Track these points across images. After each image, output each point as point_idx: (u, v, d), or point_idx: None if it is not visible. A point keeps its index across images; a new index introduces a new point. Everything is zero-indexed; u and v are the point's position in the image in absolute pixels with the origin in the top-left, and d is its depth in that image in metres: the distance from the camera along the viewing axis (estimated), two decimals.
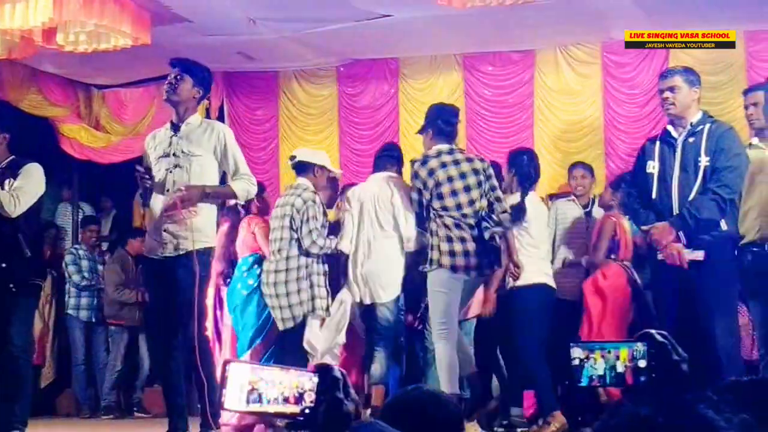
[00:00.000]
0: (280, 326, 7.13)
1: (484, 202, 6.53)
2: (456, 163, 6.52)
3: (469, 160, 6.61)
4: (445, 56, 10.27)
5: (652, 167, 5.89)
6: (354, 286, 6.98)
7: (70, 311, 9.94)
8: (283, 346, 7.24)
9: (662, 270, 5.88)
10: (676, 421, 1.49)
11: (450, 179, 6.45)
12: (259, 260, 7.59)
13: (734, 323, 5.89)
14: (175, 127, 5.87)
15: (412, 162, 6.70)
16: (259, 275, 7.48)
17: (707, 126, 5.81)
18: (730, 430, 1.53)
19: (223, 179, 5.95)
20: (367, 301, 6.92)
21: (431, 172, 6.48)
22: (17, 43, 8.31)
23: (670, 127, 5.94)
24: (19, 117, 9.55)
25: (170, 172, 5.77)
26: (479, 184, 6.51)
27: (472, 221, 6.46)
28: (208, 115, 10.51)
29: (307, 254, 7.01)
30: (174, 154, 5.79)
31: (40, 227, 6.43)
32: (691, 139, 5.79)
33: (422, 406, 2.35)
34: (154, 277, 5.89)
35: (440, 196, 6.45)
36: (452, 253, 6.38)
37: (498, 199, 6.60)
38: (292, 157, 7.52)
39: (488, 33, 9.38)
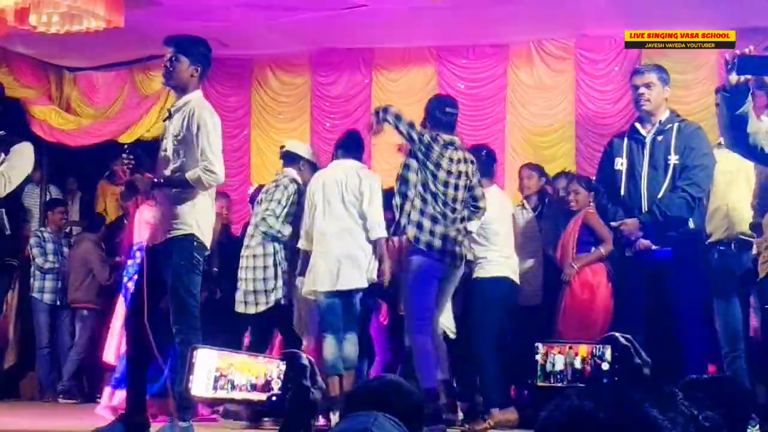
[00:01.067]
0: (248, 310, 7.15)
1: (464, 199, 6.53)
2: (463, 161, 6.50)
3: (469, 160, 6.57)
4: (419, 48, 10.27)
5: (620, 164, 5.92)
6: (317, 274, 6.88)
7: (34, 294, 9.87)
8: (255, 331, 7.26)
9: (630, 266, 5.93)
10: (616, 419, 1.49)
11: (449, 173, 6.40)
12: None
13: (700, 320, 5.94)
14: (169, 111, 5.77)
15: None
16: None
17: (676, 125, 5.85)
18: (673, 431, 1.53)
19: None
20: (329, 288, 6.81)
21: (436, 149, 6.40)
22: None
23: (638, 125, 5.97)
24: None
25: (164, 152, 5.68)
26: (467, 188, 6.53)
27: (456, 213, 6.44)
28: None
29: (274, 239, 7.01)
30: (164, 138, 5.71)
31: (20, 206, 6.33)
32: (659, 137, 5.83)
33: (385, 395, 2.36)
34: (143, 264, 5.69)
35: (435, 177, 6.37)
36: (431, 233, 6.33)
37: (474, 198, 6.61)
38: (282, 146, 7.64)
39: (463, 26, 9.38)
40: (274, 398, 1.89)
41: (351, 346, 6.78)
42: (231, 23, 9.30)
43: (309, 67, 10.70)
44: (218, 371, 1.89)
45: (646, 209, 5.81)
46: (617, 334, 2.54)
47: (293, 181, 7.23)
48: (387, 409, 2.32)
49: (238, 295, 7.22)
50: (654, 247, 5.79)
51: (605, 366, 2.54)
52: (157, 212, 5.66)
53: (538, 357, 2.63)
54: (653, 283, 5.81)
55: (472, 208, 6.58)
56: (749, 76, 4.80)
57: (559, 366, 2.61)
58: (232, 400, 1.97)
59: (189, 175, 5.47)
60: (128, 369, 5.73)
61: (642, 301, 5.88)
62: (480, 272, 6.98)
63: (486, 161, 7.22)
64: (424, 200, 6.34)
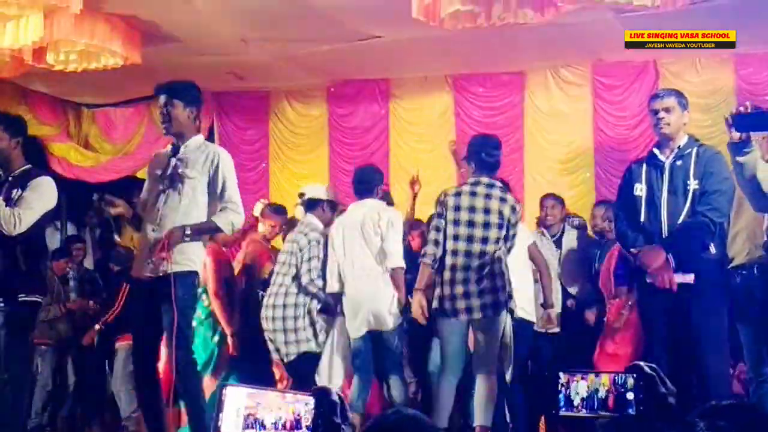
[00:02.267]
0: (283, 358, 7.17)
1: (501, 247, 6.33)
2: (488, 197, 6.35)
3: (503, 200, 6.38)
4: (435, 77, 10.29)
5: (640, 190, 5.87)
6: (350, 319, 6.89)
7: None
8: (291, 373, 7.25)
9: (650, 293, 5.86)
10: None
11: (473, 209, 6.29)
12: (206, 292, 7.55)
13: (723, 346, 5.88)
14: (175, 149, 5.78)
15: (443, 191, 6.62)
16: (207, 307, 7.53)
17: (695, 149, 5.81)
18: None
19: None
20: (371, 329, 6.82)
21: (457, 194, 6.36)
22: (7, 62, 8.31)
23: (656, 150, 5.93)
24: None
25: (163, 193, 5.69)
26: (500, 226, 6.33)
27: (475, 261, 6.27)
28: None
29: (306, 292, 7.05)
30: (170, 177, 5.71)
31: (40, 242, 6.20)
32: (678, 162, 5.79)
33: (403, 429, 2.34)
34: (140, 299, 5.73)
35: (456, 222, 6.29)
36: (453, 297, 6.26)
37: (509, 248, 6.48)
38: (301, 194, 7.60)
39: (479, 54, 9.40)
40: None
41: (395, 390, 6.75)
42: (247, 56, 9.34)
43: (326, 99, 10.74)
44: (247, 409, 1.88)
45: (666, 235, 5.76)
46: (642, 363, 2.51)
47: (322, 233, 7.21)
48: None
49: (270, 345, 7.23)
50: (676, 274, 5.74)
51: (630, 395, 2.51)
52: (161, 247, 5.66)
53: (559, 386, 2.61)
54: (675, 309, 5.76)
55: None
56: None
57: (583, 394, 2.59)
58: None
59: (221, 221, 5.57)
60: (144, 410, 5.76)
61: (665, 328, 5.82)
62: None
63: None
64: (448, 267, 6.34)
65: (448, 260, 6.28)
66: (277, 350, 7.18)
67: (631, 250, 5.99)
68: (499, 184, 6.50)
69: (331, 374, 7.02)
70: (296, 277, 7.13)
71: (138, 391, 5.83)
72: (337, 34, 8.84)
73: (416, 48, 9.14)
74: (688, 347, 5.69)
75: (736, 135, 4.99)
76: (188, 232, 5.54)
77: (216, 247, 7.71)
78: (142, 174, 10.23)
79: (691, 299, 5.66)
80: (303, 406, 1.92)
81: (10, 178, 5.86)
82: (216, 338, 7.62)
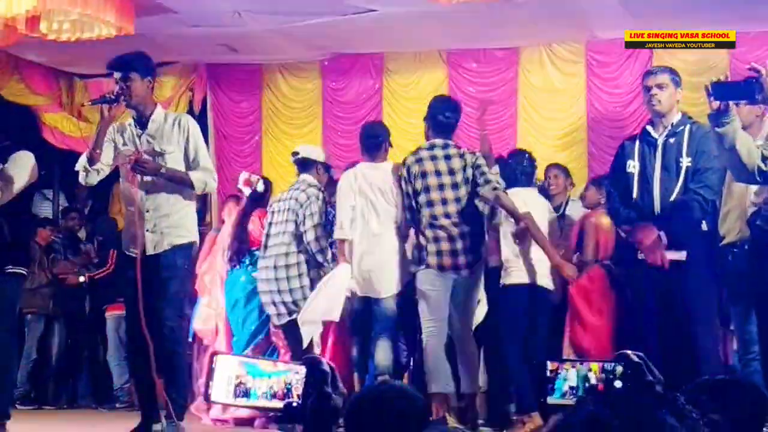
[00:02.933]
0: (276, 321, 7.13)
1: (475, 201, 6.48)
2: (447, 157, 6.47)
3: (461, 156, 6.52)
4: (429, 52, 10.27)
5: (632, 167, 5.89)
6: (353, 279, 6.83)
7: None
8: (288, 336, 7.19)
9: (642, 270, 5.89)
10: (631, 426, 1.50)
11: (438, 173, 6.41)
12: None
13: (713, 323, 5.91)
14: (141, 124, 5.81)
15: (403, 161, 6.66)
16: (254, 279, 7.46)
17: (688, 127, 5.82)
18: None
19: None
20: (367, 294, 6.77)
21: (419, 161, 6.45)
22: (0, 31, 8.25)
23: (649, 127, 5.95)
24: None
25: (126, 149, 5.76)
26: (467, 180, 6.45)
27: (456, 218, 6.42)
28: (191, 108, 10.50)
29: (306, 250, 6.97)
30: (147, 153, 5.74)
31: (25, 214, 6.28)
32: (671, 140, 5.80)
33: (389, 400, 2.36)
34: (136, 274, 5.72)
35: (427, 189, 6.40)
36: (439, 253, 6.35)
37: (487, 181, 6.47)
38: (295, 153, 7.50)
39: (473, 29, 9.38)
40: (295, 404, 1.89)
41: (381, 354, 6.69)
42: (241, 28, 9.31)
43: (320, 73, 10.71)
44: (238, 378, 1.88)
45: (659, 212, 5.78)
46: (629, 352, 2.53)
47: (319, 189, 7.15)
48: (390, 414, 2.32)
49: (270, 309, 7.17)
50: (668, 251, 5.75)
51: (618, 384, 2.53)
52: (154, 219, 5.68)
53: (548, 374, 2.62)
54: (666, 286, 5.78)
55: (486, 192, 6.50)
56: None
57: (572, 382, 2.60)
58: (251, 407, 1.96)
59: (195, 177, 5.63)
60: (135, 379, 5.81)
61: (655, 305, 5.84)
62: (505, 279, 6.90)
63: (528, 167, 7.17)
64: (428, 224, 6.43)
65: (430, 225, 6.39)
66: (277, 314, 7.12)
67: (624, 226, 6.01)
68: (452, 143, 6.60)
69: (314, 310, 6.88)
70: (296, 235, 7.02)
71: (130, 360, 5.89)
72: (331, 7, 8.81)
73: (411, 22, 9.11)
74: (679, 324, 5.73)
75: (715, 104, 5.00)
76: (163, 170, 5.64)
77: (265, 213, 7.66)
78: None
79: (683, 276, 5.69)
80: (294, 375, 1.93)
81: None
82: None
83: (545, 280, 6.91)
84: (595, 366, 2.56)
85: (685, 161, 5.75)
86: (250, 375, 1.91)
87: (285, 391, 1.92)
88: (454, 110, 6.72)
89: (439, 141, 6.54)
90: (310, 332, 6.86)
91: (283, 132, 10.77)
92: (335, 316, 6.85)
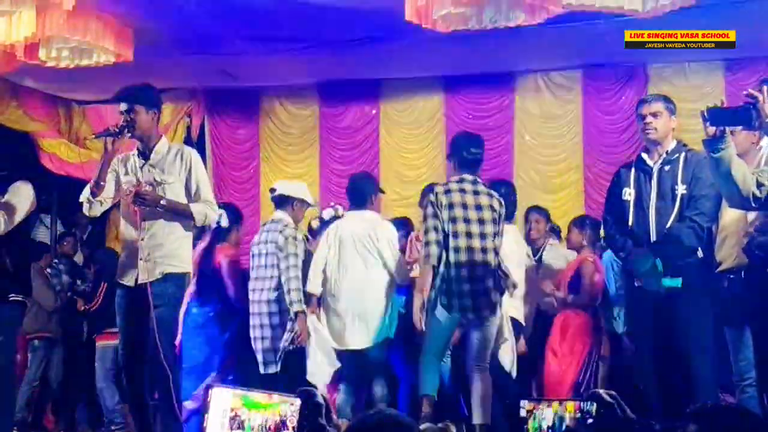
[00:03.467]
0: (262, 370, 7.00)
1: (497, 242, 6.41)
2: (476, 193, 6.41)
3: (490, 195, 6.48)
4: (426, 78, 10.32)
5: (628, 194, 5.88)
6: (334, 329, 6.84)
7: None
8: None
9: (639, 297, 5.89)
10: None
11: (465, 206, 6.33)
12: (218, 288, 7.48)
13: (709, 349, 5.90)
14: (143, 155, 5.84)
15: (432, 186, 6.63)
16: (216, 303, 7.43)
17: (683, 154, 5.82)
18: None
19: None
20: (355, 346, 6.80)
21: (447, 192, 6.38)
22: None
23: (644, 155, 5.94)
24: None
25: (128, 185, 5.79)
26: (494, 221, 6.40)
27: (478, 257, 6.33)
28: (188, 134, 10.52)
29: (289, 291, 6.89)
30: (148, 184, 5.76)
31: (26, 243, 6.35)
32: (667, 167, 5.80)
33: (382, 428, 2.36)
34: (129, 303, 5.77)
35: (453, 220, 6.31)
36: (450, 293, 6.26)
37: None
38: (272, 190, 7.44)
39: (469, 56, 9.42)
40: None
41: (378, 388, 6.75)
42: (239, 55, 9.34)
43: (317, 99, 10.75)
44: (233, 411, 1.88)
45: (654, 239, 5.79)
46: (601, 391, 2.54)
47: (296, 230, 7.09)
48: None
49: (258, 356, 7.06)
50: (664, 278, 5.75)
51: (590, 422, 2.54)
52: (149, 248, 5.69)
53: (523, 413, 2.63)
54: (663, 313, 5.78)
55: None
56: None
57: (548, 422, 2.60)
58: None
59: (196, 209, 5.64)
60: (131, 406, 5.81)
61: (652, 332, 5.84)
62: None
63: (510, 198, 7.17)
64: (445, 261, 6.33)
65: (452, 257, 6.28)
66: (264, 363, 7.00)
67: (620, 254, 6.02)
68: (480, 180, 6.57)
69: (321, 371, 6.86)
70: (280, 281, 6.93)
71: (128, 387, 5.86)
72: (329, 34, 8.84)
73: (407, 49, 9.15)
74: (676, 351, 5.72)
75: (711, 130, 5.02)
76: (163, 202, 5.64)
77: (228, 248, 7.64)
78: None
79: (678, 303, 5.69)
80: (288, 407, 1.93)
81: None
82: (225, 337, 7.52)
83: (514, 312, 7.05)
84: (570, 407, 2.56)
85: (681, 188, 5.75)
86: (245, 407, 1.91)
87: (280, 423, 1.92)
88: (478, 145, 6.65)
89: (468, 176, 6.51)
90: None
91: (281, 158, 10.81)
92: (337, 364, 6.90)
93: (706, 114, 5.00)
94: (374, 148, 10.54)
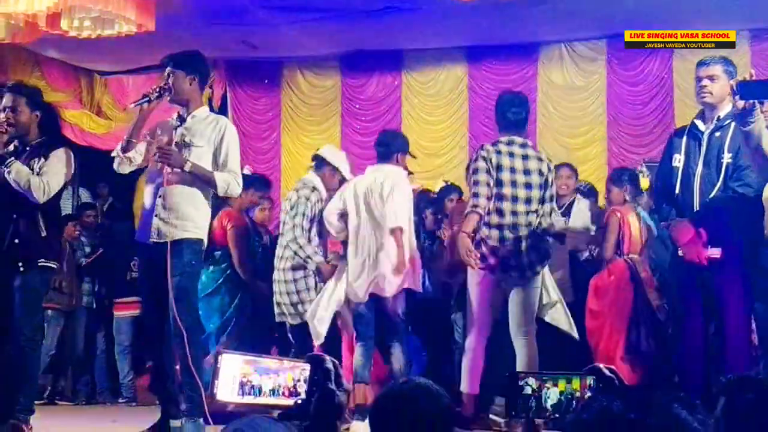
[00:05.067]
0: (290, 321, 7.09)
1: (545, 208, 6.38)
2: (525, 157, 6.35)
3: (540, 159, 6.43)
4: (449, 49, 10.26)
5: (678, 161, 5.74)
6: (355, 282, 6.73)
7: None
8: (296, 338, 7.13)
9: (682, 266, 5.81)
10: (647, 419, 1.49)
11: (513, 169, 6.27)
12: (227, 255, 7.55)
13: (746, 321, 5.85)
14: (181, 119, 5.85)
15: (482, 145, 6.51)
16: (225, 270, 7.50)
17: (734, 121, 5.70)
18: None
19: None
20: (370, 291, 6.63)
21: (498, 153, 6.28)
22: (21, 28, 8.30)
23: (698, 121, 5.80)
24: None
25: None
26: (541, 186, 6.35)
27: (522, 220, 6.30)
28: (210, 105, 10.51)
29: (299, 248, 6.91)
30: (177, 145, 5.76)
31: (58, 209, 6.34)
32: (717, 134, 5.65)
33: (414, 399, 2.35)
34: (147, 263, 5.78)
35: (499, 183, 6.25)
36: (494, 254, 6.23)
37: (553, 210, 6.47)
38: (317, 149, 7.50)
39: (492, 26, 9.37)
40: (300, 402, 1.88)
41: (395, 359, 6.59)
42: (260, 26, 9.32)
43: (339, 70, 10.73)
44: (244, 376, 1.88)
45: (698, 209, 5.70)
46: (601, 366, 2.51)
47: (314, 189, 7.09)
48: (416, 412, 2.31)
49: (276, 307, 7.16)
50: (707, 249, 5.68)
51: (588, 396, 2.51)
52: (166, 208, 5.68)
53: (529, 391, 2.60)
54: (705, 282, 5.73)
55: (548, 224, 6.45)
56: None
57: (554, 400, 2.58)
58: (257, 405, 1.95)
59: (220, 176, 5.60)
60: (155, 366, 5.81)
61: (698, 300, 5.78)
62: None
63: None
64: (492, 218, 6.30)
65: (494, 219, 6.24)
66: (283, 314, 7.11)
67: (662, 223, 5.96)
68: (530, 142, 6.52)
69: (321, 321, 6.79)
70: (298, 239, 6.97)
71: (150, 354, 5.88)
72: (350, 5, 8.81)
73: (430, 19, 9.11)
74: (715, 321, 5.69)
75: (741, 103, 4.93)
76: (188, 166, 5.59)
77: (235, 212, 7.71)
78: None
79: (717, 274, 5.63)
80: (299, 372, 1.92)
81: (27, 149, 5.96)
82: (234, 304, 7.57)
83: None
84: (576, 384, 2.54)
85: (726, 157, 5.60)
86: (256, 373, 1.90)
87: (290, 388, 1.91)
88: (521, 104, 6.56)
89: (518, 138, 6.44)
90: (318, 329, 6.81)
91: (302, 129, 10.80)
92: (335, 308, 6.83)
93: (735, 87, 4.93)
94: (396, 119, 10.51)
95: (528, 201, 6.33)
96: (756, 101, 4.94)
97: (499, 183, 6.26)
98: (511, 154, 6.32)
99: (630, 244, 7.18)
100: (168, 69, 5.79)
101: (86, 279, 9.92)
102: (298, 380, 1.91)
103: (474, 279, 6.38)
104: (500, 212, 6.29)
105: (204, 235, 5.75)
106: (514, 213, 6.29)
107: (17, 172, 5.77)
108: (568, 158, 9.18)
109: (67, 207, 11.03)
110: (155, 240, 5.65)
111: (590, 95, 9.93)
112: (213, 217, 6.99)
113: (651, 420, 1.49)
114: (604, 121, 9.84)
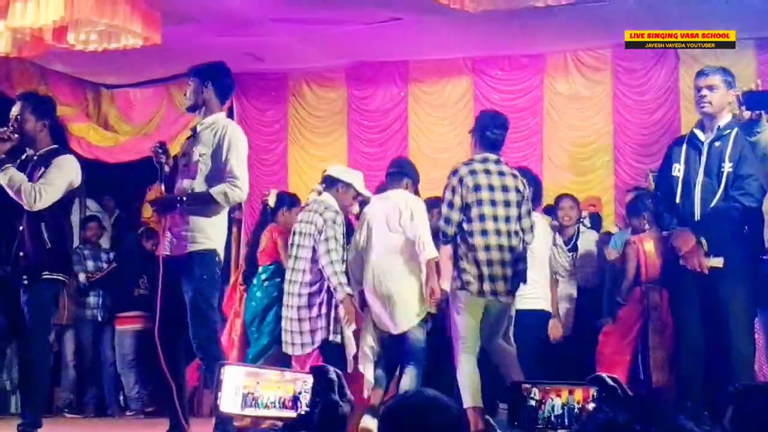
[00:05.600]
0: (295, 351, 6.93)
1: (523, 224, 6.37)
2: (501, 174, 6.35)
3: (515, 176, 6.43)
4: (454, 60, 10.27)
5: (678, 170, 5.78)
6: (377, 317, 6.76)
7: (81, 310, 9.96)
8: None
9: (683, 275, 5.82)
10: (653, 430, 1.48)
11: (491, 187, 6.28)
12: (280, 269, 7.47)
13: (750, 331, 5.85)
14: (194, 131, 5.83)
15: (455, 170, 6.46)
16: (280, 283, 7.34)
17: (734, 131, 5.69)
18: None
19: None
20: (395, 332, 6.70)
21: (473, 173, 6.29)
22: (28, 42, 8.32)
23: (697, 130, 5.83)
24: None
25: (181, 172, 5.73)
26: (518, 204, 6.34)
27: (504, 240, 6.28)
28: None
29: (333, 274, 6.73)
30: (184, 154, 5.75)
31: (66, 221, 6.26)
32: (717, 143, 5.68)
33: (423, 411, 2.34)
34: (164, 276, 5.65)
35: (479, 202, 6.25)
36: (480, 278, 6.22)
37: (530, 228, 6.46)
38: (325, 170, 7.44)
39: (498, 37, 9.38)
40: (303, 413, 1.88)
41: (409, 379, 6.58)
42: (266, 37, 9.34)
43: (345, 81, 10.73)
44: (246, 388, 1.88)
45: (699, 218, 5.70)
46: (604, 375, 2.50)
47: (337, 213, 6.94)
48: (425, 424, 2.30)
49: (284, 336, 7.00)
50: (707, 258, 5.67)
51: (591, 407, 2.50)
52: (176, 223, 5.65)
53: (533, 402, 2.59)
54: (706, 292, 5.72)
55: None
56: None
57: (557, 411, 2.57)
58: (259, 417, 1.95)
59: (214, 190, 5.51)
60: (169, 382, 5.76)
61: (696, 309, 5.78)
62: (518, 304, 6.76)
63: (531, 186, 7.12)
64: (470, 246, 6.27)
65: (478, 240, 6.22)
66: (290, 343, 6.94)
67: (664, 233, 5.96)
68: (503, 159, 6.53)
69: (368, 355, 6.79)
70: (314, 260, 6.84)
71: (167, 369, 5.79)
72: (355, 16, 8.83)
73: (436, 30, 9.11)
74: (718, 331, 5.68)
75: (747, 114, 4.94)
76: (183, 198, 5.55)
77: (281, 226, 7.71)
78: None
79: (720, 283, 5.62)
80: (301, 384, 1.92)
81: (35, 157, 5.96)
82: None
83: (543, 303, 7.20)
84: (579, 394, 2.52)
85: (727, 166, 5.62)
86: (258, 385, 1.90)
87: (293, 400, 1.91)
88: (502, 126, 6.59)
89: (492, 155, 6.45)
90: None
91: (309, 140, 10.81)
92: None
93: (741, 97, 4.94)
94: (402, 130, 10.51)
95: (507, 219, 6.31)
96: (762, 111, 4.95)
97: (478, 202, 6.25)
98: (487, 171, 6.32)
99: (647, 272, 7.16)
100: (191, 79, 5.84)
101: (92, 292, 9.93)
102: (300, 392, 1.91)
103: (458, 303, 6.34)
104: (484, 233, 6.27)
105: (217, 246, 5.62)
106: (497, 232, 6.27)
107: (10, 177, 5.76)
108: (575, 168, 9.20)
109: (74, 220, 11.05)
110: (167, 254, 5.62)
111: (596, 105, 9.93)
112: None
113: (656, 430, 1.48)
114: (610, 130, 9.83)
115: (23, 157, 5.98)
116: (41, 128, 6.01)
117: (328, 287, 6.79)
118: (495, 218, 6.26)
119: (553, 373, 6.63)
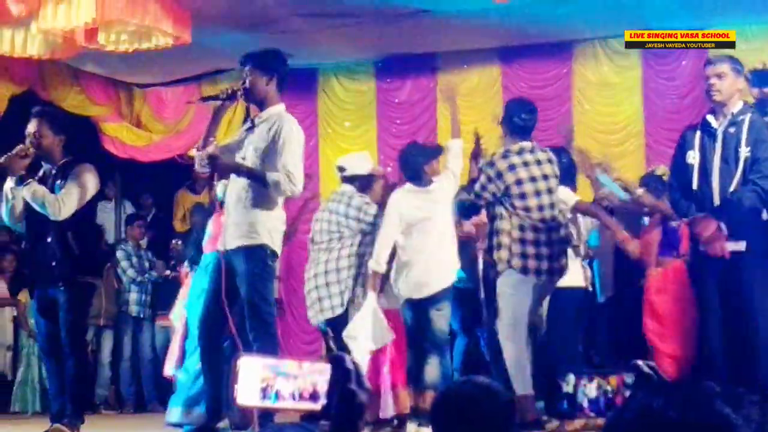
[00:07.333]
0: (326, 315, 7.07)
1: (559, 195, 6.56)
2: (538, 162, 6.45)
3: (550, 161, 6.54)
4: (483, 49, 10.25)
5: (692, 157, 5.82)
6: (401, 285, 6.79)
7: (123, 307, 10.09)
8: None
9: (704, 261, 5.82)
10: (689, 416, 1.47)
11: (533, 179, 6.37)
12: None
13: None
14: (252, 121, 5.86)
15: (491, 161, 6.54)
16: None
17: (748, 116, 5.72)
18: (746, 428, 1.49)
19: None
20: (417, 296, 6.68)
21: (512, 167, 6.37)
22: (60, 43, 8.42)
23: (710, 117, 5.86)
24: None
25: (242, 160, 5.75)
26: (555, 187, 6.51)
27: (548, 213, 6.41)
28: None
29: (361, 255, 6.99)
30: (240, 148, 5.79)
31: (91, 226, 6.49)
32: (731, 129, 5.72)
33: (475, 399, 2.36)
34: (216, 270, 5.74)
35: (523, 196, 6.32)
36: (524, 255, 6.27)
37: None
38: (342, 169, 7.51)
39: (526, 25, 9.35)
40: (324, 403, 1.90)
41: (431, 368, 6.57)
42: (295, 33, 9.37)
43: (373, 74, 10.74)
44: (264, 381, 1.89)
45: (718, 203, 5.71)
46: (640, 362, 2.51)
47: (360, 196, 7.14)
48: (477, 412, 2.32)
49: (313, 306, 7.16)
50: (728, 242, 5.67)
51: (628, 393, 2.51)
52: (229, 218, 5.70)
53: (569, 388, 2.61)
54: (728, 277, 5.71)
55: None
56: None
57: (591, 395, 2.59)
58: (278, 409, 1.97)
59: (271, 176, 5.51)
60: (205, 377, 5.83)
61: (719, 296, 5.77)
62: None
63: (566, 164, 7.13)
64: (516, 226, 6.35)
65: (523, 218, 6.33)
66: (320, 310, 7.09)
67: (683, 219, 5.96)
68: (537, 144, 6.60)
69: (361, 340, 6.75)
70: (342, 240, 7.06)
71: (205, 365, 5.85)
72: (383, 9, 8.83)
73: (463, 21, 9.10)
74: (741, 315, 5.66)
75: (755, 91, 4.96)
76: (241, 169, 5.62)
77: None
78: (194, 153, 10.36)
79: (743, 267, 5.62)
80: (318, 374, 1.94)
81: (53, 171, 6.11)
82: None
83: (587, 281, 7.19)
84: (613, 380, 2.55)
85: (744, 151, 5.66)
86: (276, 376, 1.91)
87: (312, 391, 1.93)
88: (531, 112, 6.65)
89: (526, 144, 6.48)
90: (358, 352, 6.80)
91: (339, 134, 10.83)
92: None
93: (749, 76, 4.95)
94: (432, 121, 10.51)
95: (552, 206, 6.42)
96: None
97: (518, 182, 6.30)
98: (525, 164, 6.36)
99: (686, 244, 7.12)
100: (246, 69, 5.79)
101: (134, 288, 10.06)
102: (318, 383, 1.93)
103: (511, 282, 6.37)
104: (527, 209, 6.32)
105: (267, 240, 5.63)
106: (543, 221, 6.32)
107: (34, 191, 5.95)
108: (606, 155, 9.13)
109: (108, 220, 11.17)
110: (220, 249, 5.69)
111: (626, 91, 9.88)
112: None
113: (693, 417, 1.47)
114: (640, 116, 9.78)
115: (41, 172, 6.14)
116: (58, 143, 6.18)
117: (359, 264, 6.96)
118: (540, 208, 6.36)
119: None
